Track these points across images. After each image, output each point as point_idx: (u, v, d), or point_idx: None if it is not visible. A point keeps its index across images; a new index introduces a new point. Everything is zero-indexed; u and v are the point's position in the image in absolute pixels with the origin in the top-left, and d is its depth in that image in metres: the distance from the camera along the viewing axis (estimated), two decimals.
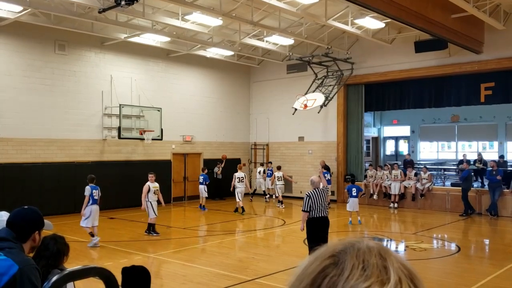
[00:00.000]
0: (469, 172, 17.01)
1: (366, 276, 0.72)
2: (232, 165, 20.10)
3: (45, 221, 3.15)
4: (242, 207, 17.00)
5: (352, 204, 14.42)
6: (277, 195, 19.09)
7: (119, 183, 17.64)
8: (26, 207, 3.14)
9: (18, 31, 15.12)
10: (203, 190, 17.61)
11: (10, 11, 13.77)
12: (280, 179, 19.01)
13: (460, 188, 16.80)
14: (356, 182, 19.77)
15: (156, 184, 12.66)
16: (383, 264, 0.74)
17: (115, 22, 14.86)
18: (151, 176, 12.65)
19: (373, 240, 0.82)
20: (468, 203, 16.45)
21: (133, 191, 17.95)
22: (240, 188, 17.07)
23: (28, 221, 3.02)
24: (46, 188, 15.41)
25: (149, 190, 12.47)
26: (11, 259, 2.76)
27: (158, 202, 12.71)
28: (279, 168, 19.41)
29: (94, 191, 11.21)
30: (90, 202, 11.09)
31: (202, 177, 17.75)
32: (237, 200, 17.05)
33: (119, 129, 17.28)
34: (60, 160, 16.30)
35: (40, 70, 15.89)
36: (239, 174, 17.39)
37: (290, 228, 14.24)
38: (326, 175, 17.62)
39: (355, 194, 14.45)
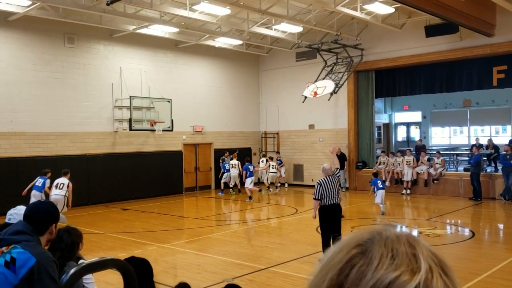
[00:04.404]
0: (480, 157, 16.84)
1: (396, 265, 0.70)
2: (246, 155, 20.13)
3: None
4: (239, 189, 19.05)
5: (381, 196, 13.76)
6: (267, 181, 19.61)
7: (131, 175, 17.77)
8: (42, 200, 3.16)
9: (27, 25, 15.17)
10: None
11: (19, 5, 13.83)
12: (273, 167, 19.49)
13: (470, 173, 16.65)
14: (366, 168, 19.72)
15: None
16: (413, 252, 0.72)
17: (123, 14, 14.82)
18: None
19: (397, 227, 0.80)
20: (480, 189, 16.29)
21: (145, 182, 18.14)
22: (234, 174, 18.85)
23: (46, 214, 3.05)
24: None
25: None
26: (29, 252, 2.79)
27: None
28: (271, 158, 19.73)
29: None
30: None
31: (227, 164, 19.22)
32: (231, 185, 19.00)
33: (130, 121, 17.34)
34: (72, 153, 16.42)
35: (50, 64, 15.96)
36: (233, 161, 19.04)
37: (302, 216, 14.24)
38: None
39: (381, 186, 13.85)
